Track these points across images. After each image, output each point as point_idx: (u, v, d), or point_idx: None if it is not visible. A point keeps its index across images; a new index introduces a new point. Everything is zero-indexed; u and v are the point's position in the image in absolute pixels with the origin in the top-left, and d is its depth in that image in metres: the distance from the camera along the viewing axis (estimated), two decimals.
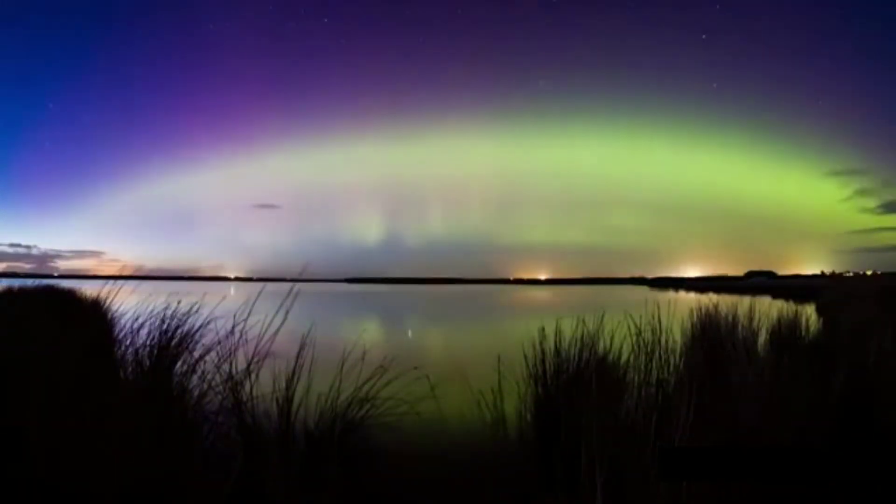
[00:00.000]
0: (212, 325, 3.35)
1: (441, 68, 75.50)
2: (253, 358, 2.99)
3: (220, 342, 3.16)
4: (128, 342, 3.20)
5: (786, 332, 4.84)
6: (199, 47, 68.88)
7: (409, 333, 10.65)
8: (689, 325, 4.43)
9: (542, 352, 3.04)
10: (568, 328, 3.09)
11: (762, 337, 4.49)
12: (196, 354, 3.17)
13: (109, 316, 4.22)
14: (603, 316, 3.22)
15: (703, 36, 63.14)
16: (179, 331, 3.26)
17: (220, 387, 2.92)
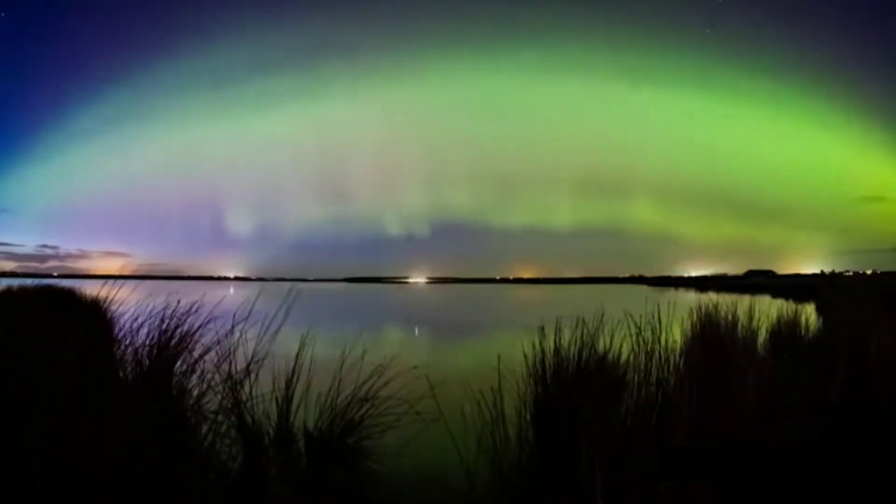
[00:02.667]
0: (211, 325, 3.35)
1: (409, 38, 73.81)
2: (252, 357, 2.99)
3: (219, 342, 3.16)
4: (127, 342, 3.20)
5: (786, 331, 4.85)
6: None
7: (407, 333, 10.65)
8: (689, 325, 4.42)
9: (542, 351, 3.04)
10: (567, 327, 3.09)
11: (762, 336, 4.49)
12: (195, 354, 3.17)
13: (109, 315, 4.22)
14: (602, 315, 3.21)
15: (707, 30, 63.09)
16: (179, 330, 3.27)
17: (220, 386, 2.92)
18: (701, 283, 47.57)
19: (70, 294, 8.29)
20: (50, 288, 9.07)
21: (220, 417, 2.81)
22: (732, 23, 65.81)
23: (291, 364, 2.95)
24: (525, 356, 3.06)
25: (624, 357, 3.00)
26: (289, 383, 2.90)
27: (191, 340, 3.23)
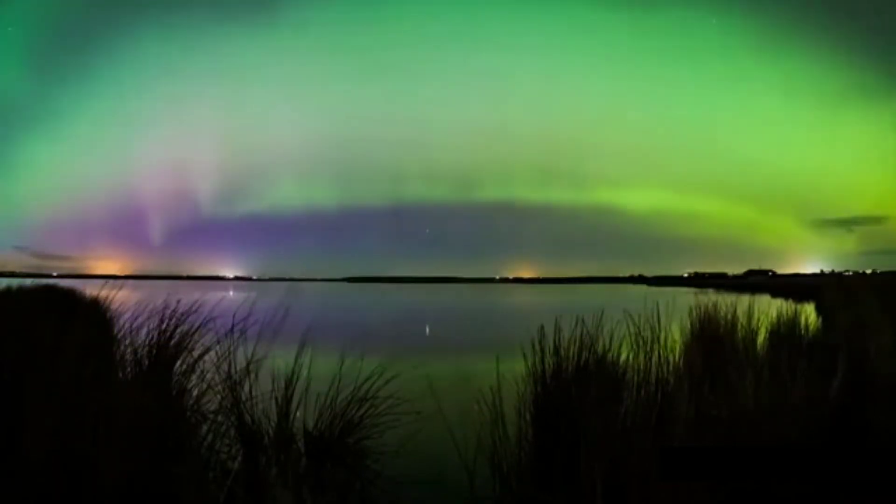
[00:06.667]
0: (211, 325, 3.35)
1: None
2: (252, 357, 2.99)
3: (219, 341, 3.16)
4: (127, 341, 3.20)
5: (785, 330, 4.85)
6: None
7: (408, 332, 10.65)
8: (689, 324, 4.42)
9: (542, 351, 3.03)
10: (567, 327, 3.08)
11: (761, 336, 4.49)
12: (195, 354, 3.17)
13: (109, 315, 4.22)
14: (602, 315, 3.21)
15: (713, 21, 62.58)
16: (179, 330, 3.26)
17: (220, 386, 2.92)
18: (700, 283, 47.62)
19: (70, 294, 8.28)
20: (50, 288, 9.07)
21: (219, 417, 2.81)
22: (740, 9, 65.00)
23: (291, 364, 2.95)
24: (524, 356, 3.06)
25: (623, 357, 3.00)
26: (288, 383, 2.90)
27: (191, 340, 3.22)
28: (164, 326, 3.26)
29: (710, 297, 5.20)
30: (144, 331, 3.27)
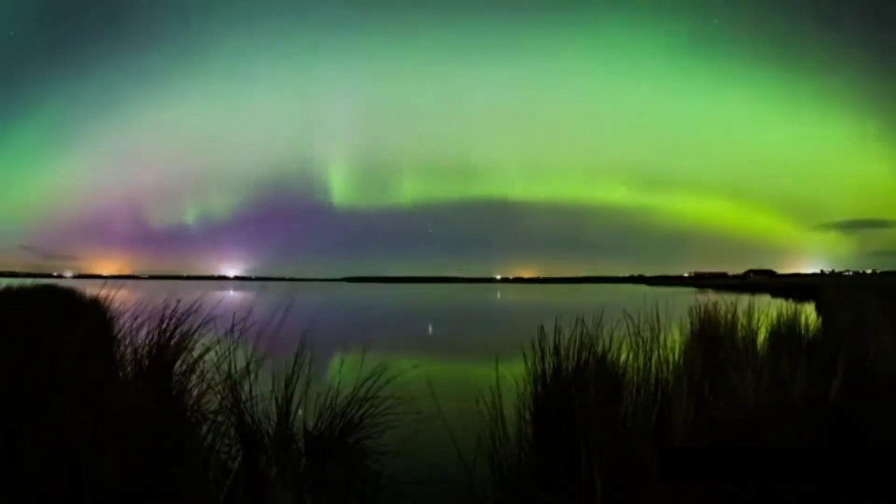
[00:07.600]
0: (211, 325, 3.35)
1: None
2: (252, 357, 2.99)
3: (219, 341, 3.16)
4: (127, 341, 3.20)
5: (785, 331, 4.84)
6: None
7: (408, 332, 10.65)
8: (689, 324, 4.42)
9: (542, 351, 3.03)
10: (566, 327, 3.09)
11: (762, 336, 4.49)
12: (195, 354, 3.17)
13: (109, 315, 4.22)
14: (602, 315, 3.21)
15: (715, 21, 62.66)
16: (179, 330, 3.27)
17: (220, 386, 2.92)
18: (700, 283, 47.64)
19: (70, 294, 8.28)
20: (50, 288, 9.07)
21: (219, 417, 2.81)
22: (743, 10, 64.96)
23: (291, 363, 2.95)
24: (524, 356, 3.06)
25: (623, 357, 3.00)
26: (289, 383, 2.90)
27: (191, 340, 3.22)
28: (164, 326, 3.26)
29: (710, 297, 5.19)
30: (144, 331, 3.27)
